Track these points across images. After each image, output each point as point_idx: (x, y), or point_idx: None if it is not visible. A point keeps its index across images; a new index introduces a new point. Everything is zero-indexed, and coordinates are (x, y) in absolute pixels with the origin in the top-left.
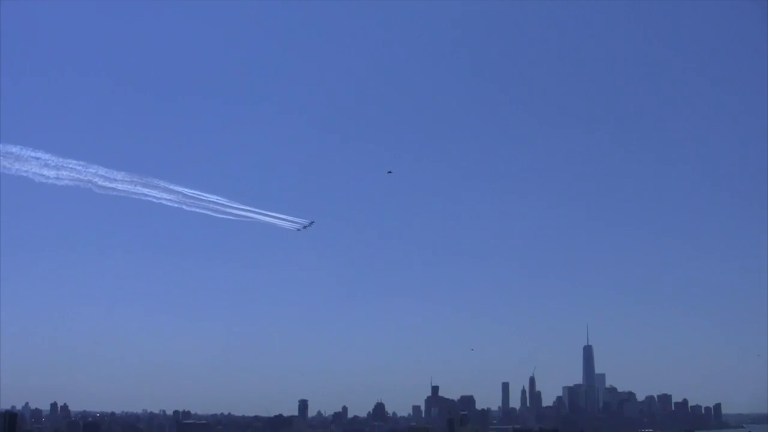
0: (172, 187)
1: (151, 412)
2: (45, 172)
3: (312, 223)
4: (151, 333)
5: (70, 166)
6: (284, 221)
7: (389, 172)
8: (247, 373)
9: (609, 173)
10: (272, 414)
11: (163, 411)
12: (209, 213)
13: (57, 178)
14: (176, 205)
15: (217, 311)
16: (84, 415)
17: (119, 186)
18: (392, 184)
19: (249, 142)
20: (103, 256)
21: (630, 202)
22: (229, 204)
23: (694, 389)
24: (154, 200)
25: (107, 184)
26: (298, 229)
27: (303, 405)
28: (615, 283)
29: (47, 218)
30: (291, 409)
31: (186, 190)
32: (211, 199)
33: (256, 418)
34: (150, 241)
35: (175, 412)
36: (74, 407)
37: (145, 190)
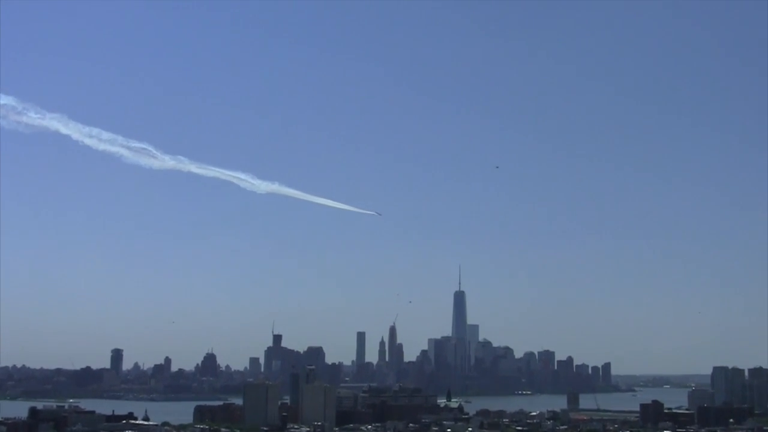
0: None
1: None
2: None
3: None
4: None
5: None
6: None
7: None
8: (48, 319)
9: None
10: (78, 367)
11: None
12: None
13: None
14: None
15: (14, 250)
16: None
17: None
18: None
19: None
20: None
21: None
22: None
23: (581, 346)
24: None
25: None
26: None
27: (117, 355)
28: (492, 219)
29: None
30: (102, 361)
31: None
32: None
33: (58, 371)
34: None
35: None
36: None
37: None
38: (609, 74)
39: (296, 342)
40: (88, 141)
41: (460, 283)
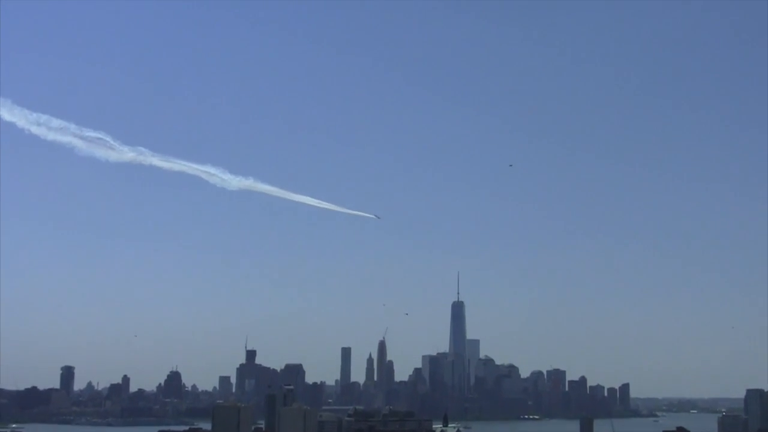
0: None
1: None
2: None
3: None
4: None
5: None
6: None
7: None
8: None
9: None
10: (22, 386)
11: None
12: None
13: None
14: None
15: None
16: None
17: None
18: None
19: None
20: None
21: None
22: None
23: (595, 365)
24: None
25: None
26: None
27: (67, 373)
28: (494, 223)
29: None
30: (50, 380)
31: None
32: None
33: None
34: None
35: None
36: None
37: None
38: (607, 75)
39: (272, 359)
40: (35, 129)
41: (458, 293)
